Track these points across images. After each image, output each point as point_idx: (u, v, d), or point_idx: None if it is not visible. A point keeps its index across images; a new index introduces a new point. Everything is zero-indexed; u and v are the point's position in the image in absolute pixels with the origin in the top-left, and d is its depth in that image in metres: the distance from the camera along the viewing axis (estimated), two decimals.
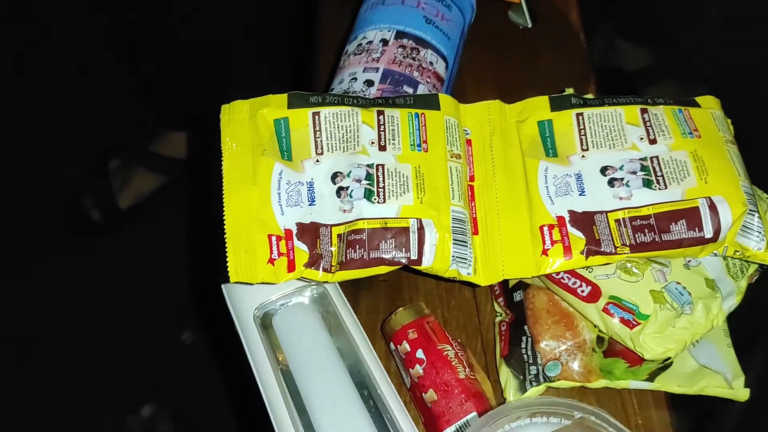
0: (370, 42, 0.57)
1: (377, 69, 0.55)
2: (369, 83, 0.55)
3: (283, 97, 0.49)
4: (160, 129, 1.33)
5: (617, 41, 1.45)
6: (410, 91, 0.55)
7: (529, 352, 0.49)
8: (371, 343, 0.52)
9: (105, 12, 1.27)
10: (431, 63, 0.57)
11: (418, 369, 0.49)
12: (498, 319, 0.53)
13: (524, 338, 0.50)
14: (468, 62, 0.71)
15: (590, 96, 0.58)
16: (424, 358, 0.49)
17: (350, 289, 0.54)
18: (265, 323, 0.49)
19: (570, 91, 0.58)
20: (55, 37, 1.50)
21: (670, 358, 0.45)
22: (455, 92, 0.63)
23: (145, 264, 1.27)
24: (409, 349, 0.50)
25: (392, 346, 0.51)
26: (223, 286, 0.49)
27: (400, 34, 0.57)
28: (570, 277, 0.48)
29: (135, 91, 1.36)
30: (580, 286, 0.47)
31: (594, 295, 0.47)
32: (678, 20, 1.34)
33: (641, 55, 1.43)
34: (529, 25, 0.73)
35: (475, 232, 0.48)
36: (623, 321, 0.46)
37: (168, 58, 1.21)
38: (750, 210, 0.45)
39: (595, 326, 0.48)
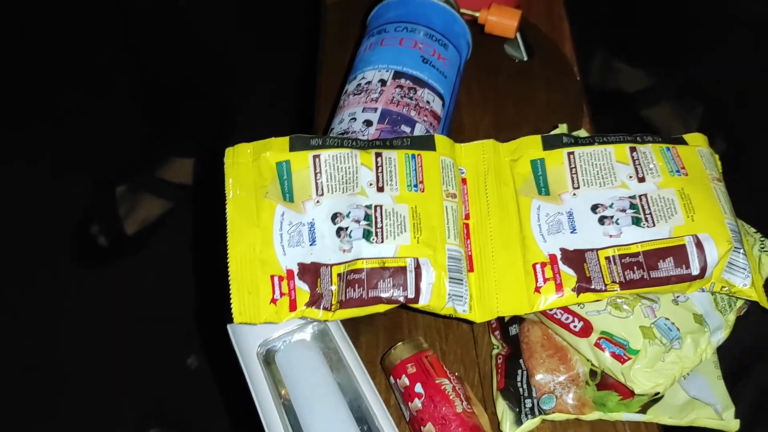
0: (369, 82, 0.59)
1: (376, 109, 0.57)
2: (368, 123, 0.57)
3: (285, 140, 0.51)
4: (167, 155, 1.36)
5: (611, 69, 1.47)
6: (408, 130, 0.57)
7: (525, 386, 0.51)
8: (372, 377, 0.53)
9: (113, 38, 1.30)
10: (428, 102, 0.59)
11: (417, 403, 0.50)
12: (495, 351, 0.55)
13: (520, 371, 0.51)
14: (466, 96, 0.73)
15: (582, 132, 0.60)
16: (423, 392, 0.50)
17: (351, 324, 0.56)
18: (268, 359, 0.51)
19: (563, 127, 0.60)
20: (62, 63, 1.52)
21: (659, 392, 0.46)
22: (453, 126, 0.65)
23: (150, 289, 1.29)
24: (407, 383, 0.51)
25: (392, 380, 0.53)
26: (228, 325, 0.50)
27: (397, 74, 0.59)
28: (563, 312, 0.49)
29: (142, 118, 1.38)
30: (573, 321, 0.49)
31: (586, 330, 0.49)
32: (673, 43, 1.37)
33: (635, 81, 1.46)
34: (525, 59, 0.75)
35: (471, 270, 0.49)
36: (614, 355, 0.47)
37: (176, 85, 1.24)
38: (735, 247, 0.46)
39: (588, 360, 0.50)
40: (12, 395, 1.18)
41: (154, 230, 1.36)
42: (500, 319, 0.54)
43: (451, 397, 0.50)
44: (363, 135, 0.56)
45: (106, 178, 1.37)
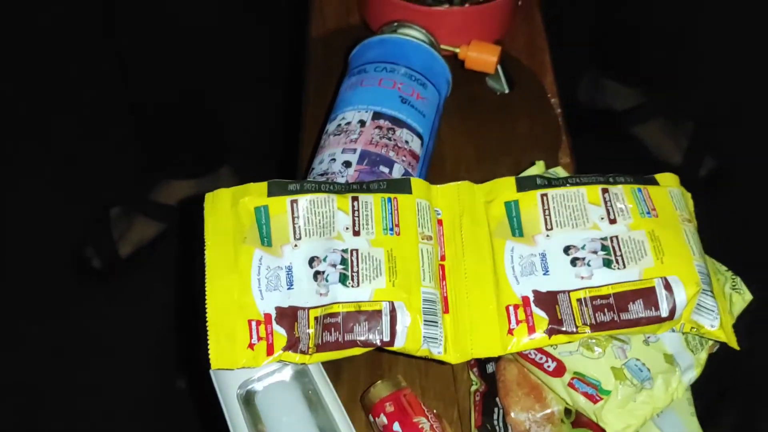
0: (349, 123, 0.60)
1: (355, 150, 0.58)
2: (347, 164, 0.58)
3: (263, 186, 0.52)
4: (160, 177, 1.36)
5: (598, 88, 1.47)
6: (386, 170, 0.58)
7: (501, 424, 0.51)
8: (353, 413, 0.54)
9: (109, 61, 1.31)
10: (407, 141, 0.60)
11: None
12: (473, 388, 0.56)
13: (496, 409, 0.52)
14: (447, 128, 0.74)
15: (559, 169, 0.61)
16: (401, 431, 0.51)
17: (331, 360, 0.57)
18: (248, 400, 0.52)
19: (540, 165, 0.61)
20: (56, 85, 1.53)
21: None
22: (434, 158, 0.66)
23: (144, 311, 1.30)
24: (386, 422, 0.52)
25: (371, 418, 0.54)
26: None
27: (377, 115, 0.60)
28: (536, 352, 0.50)
29: (135, 140, 1.39)
30: (546, 361, 0.50)
31: (559, 370, 0.49)
32: (663, 60, 1.37)
33: (623, 100, 1.46)
34: (506, 91, 0.76)
35: (446, 311, 0.50)
36: (587, 395, 0.48)
37: (167, 107, 1.25)
38: (703, 290, 0.47)
39: (562, 398, 0.50)
40: (4, 419, 1.19)
41: (147, 252, 1.36)
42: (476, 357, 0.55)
43: None
44: (342, 176, 0.57)
45: (100, 200, 1.38)
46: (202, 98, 1.25)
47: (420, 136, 0.61)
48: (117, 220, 1.37)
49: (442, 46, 0.70)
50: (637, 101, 1.45)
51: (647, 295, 0.47)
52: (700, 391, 0.52)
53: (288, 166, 0.75)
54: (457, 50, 0.71)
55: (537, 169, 0.60)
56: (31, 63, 1.57)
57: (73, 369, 1.23)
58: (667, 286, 0.47)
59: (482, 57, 0.71)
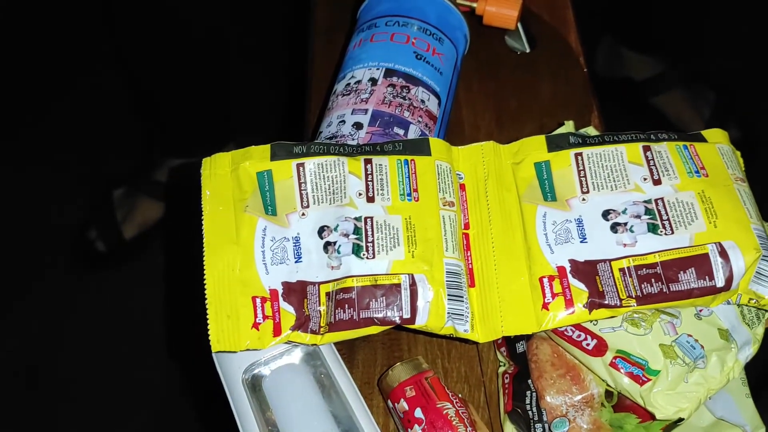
0: (359, 81, 0.55)
1: (366, 111, 0.53)
2: (358, 126, 0.52)
3: (266, 149, 0.47)
4: (163, 157, 1.33)
5: (619, 56, 1.41)
6: (401, 132, 0.52)
7: (534, 409, 0.46)
8: (369, 399, 0.50)
9: (108, 41, 1.27)
10: (423, 101, 0.54)
11: (417, 429, 0.46)
12: (501, 369, 0.51)
13: (528, 393, 0.47)
14: (465, 92, 0.69)
15: (591, 129, 0.55)
16: (423, 418, 0.46)
17: (346, 340, 0.52)
18: (255, 385, 0.47)
19: (569, 125, 0.55)
20: (57, 67, 1.50)
21: (683, 418, 0.42)
22: (452, 124, 0.61)
23: (150, 293, 1.26)
24: (407, 407, 0.47)
25: (390, 403, 0.49)
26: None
27: (389, 72, 0.55)
28: (574, 329, 0.45)
29: (138, 120, 1.35)
30: (585, 339, 0.45)
31: (600, 348, 0.44)
32: (682, 29, 1.31)
33: (644, 69, 1.40)
34: (527, 50, 0.71)
35: (472, 285, 0.45)
36: (632, 376, 0.43)
37: (171, 86, 1.21)
38: (764, 255, 0.42)
39: (602, 380, 0.45)
40: (8, 401, 1.15)
41: (152, 234, 1.33)
42: (506, 336, 0.50)
43: (454, 423, 0.46)
44: (353, 139, 0.52)
45: (103, 182, 1.35)
46: (206, 74, 1.20)
47: (437, 96, 0.56)
48: (120, 201, 1.33)
49: (459, 1, 0.64)
50: (656, 71, 1.39)
51: (700, 263, 0.42)
52: (753, 369, 0.47)
53: (295, 134, 0.70)
54: (475, 5, 0.65)
55: (567, 129, 0.55)
56: (32, 44, 1.53)
57: (76, 354, 1.20)
58: (723, 253, 0.42)
59: (502, 11, 0.65)
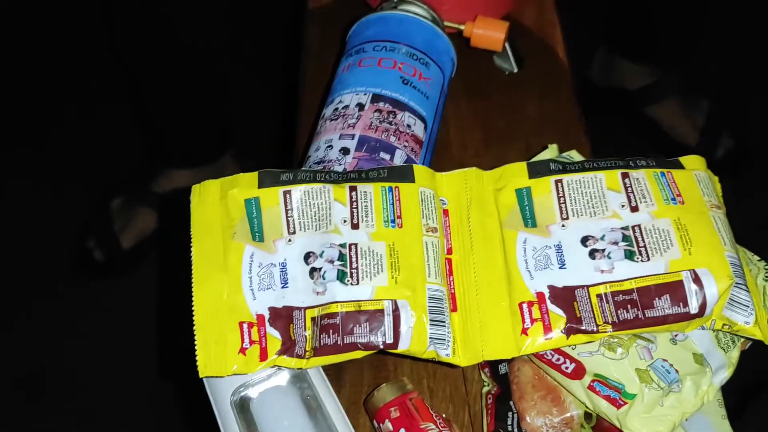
0: (346, 106, 0.56)
1: (353, 136, 0.54)
2: (345, 151, 0.54)
3: (253, 176, 0.48)
4: (162, 168, 1.33)
5: (611, 67, 1.42)
6: (387, 157, 0.54)
7: (516, 430, 0.48)
8: (356, 418, 0.51)
9: (106, 52, 1.28)
10: (409, 126, 0.56)
11: None
12: (485, 389, 0.52)
13: (510, 414, 0.48)
14: (453, 112, 0.70)
15: (574, 153, 0.56)
16: None
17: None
18: (243, 406, 0.48)
19: (553, 148, 0.56)
20: (55, 77, 1.51)
21: None
22: (439, 143, 0.62)
23: (147, 303, 1.27)
24: (391, 428, 0.48)
25: (375, 424, 0.50)
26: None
27: (376, 97, 0.56)
28: (553, 353, 0.46)
29: (136, 130, 1.36)
30: (564, 362, 0.46)
31: (578, 372, 0.45)
32: (676, 38, 1.32)
33: (637, 79, 1.41)
34: (515, 70, 0.72)
35: (454, 309, 0.46)
36: (609, 399, 0.44)
37: (170, 97, 1.21)
38: (736, 283, 0.43)
39: (582, 402, 0.47)
40: (8, 409, 1.16)
41: (150, 244, 1.34)
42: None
43: None
44: (340, 164, 0.53)
45: (101, 192, 1.35)
46: (204, 85, 1.21)
47: (423, 120, 0.57)
48: (118, 211, 1.34)
49: (446, 23, 0.65)
50: (650, 80, 1.40)
51: (674, 290, 0.43)
52: (730, 389, 0.48)
53: (288, 154, 0.71)
54: (462, 27, 0.66)
55: (550, 152, 0.56)
56: (31, 52, 1.54)
57: (73, 363, 1.21)
58: (697, 280, 0.43)
59: (489, 34, 0.66)
